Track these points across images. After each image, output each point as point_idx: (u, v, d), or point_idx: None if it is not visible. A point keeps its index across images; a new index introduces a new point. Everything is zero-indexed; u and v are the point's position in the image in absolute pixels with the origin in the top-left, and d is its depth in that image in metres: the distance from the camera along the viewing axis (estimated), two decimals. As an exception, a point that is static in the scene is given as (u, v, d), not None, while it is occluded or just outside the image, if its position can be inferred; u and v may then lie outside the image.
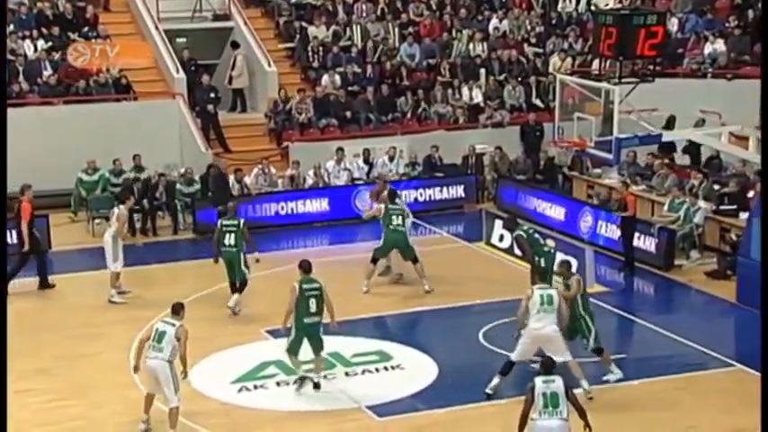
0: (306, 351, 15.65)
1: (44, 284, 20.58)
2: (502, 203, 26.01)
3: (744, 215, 21.19)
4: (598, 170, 25.94)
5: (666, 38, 25.03)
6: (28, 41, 27.76)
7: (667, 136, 24.18)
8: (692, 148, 25.83)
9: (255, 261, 19.41)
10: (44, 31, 28.20)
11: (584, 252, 20.17)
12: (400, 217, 20.02)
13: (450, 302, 19.51)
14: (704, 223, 22.17)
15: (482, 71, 29.84)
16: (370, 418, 15.03)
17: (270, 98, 28.64)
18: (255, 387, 15.92)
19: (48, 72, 27.15)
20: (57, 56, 27.56)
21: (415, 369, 16.59)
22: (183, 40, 30.16)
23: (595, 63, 24.96)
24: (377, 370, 16.63)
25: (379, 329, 18.66)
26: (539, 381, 12.49)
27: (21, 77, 26.72)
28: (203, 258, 20.57)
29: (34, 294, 20.30)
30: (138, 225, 23.93)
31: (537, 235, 18.40)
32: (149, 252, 22.74)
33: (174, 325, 14.10)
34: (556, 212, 24.35)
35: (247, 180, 25.11)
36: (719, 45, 29.36)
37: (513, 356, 15.34)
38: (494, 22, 31.49)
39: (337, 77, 28.99)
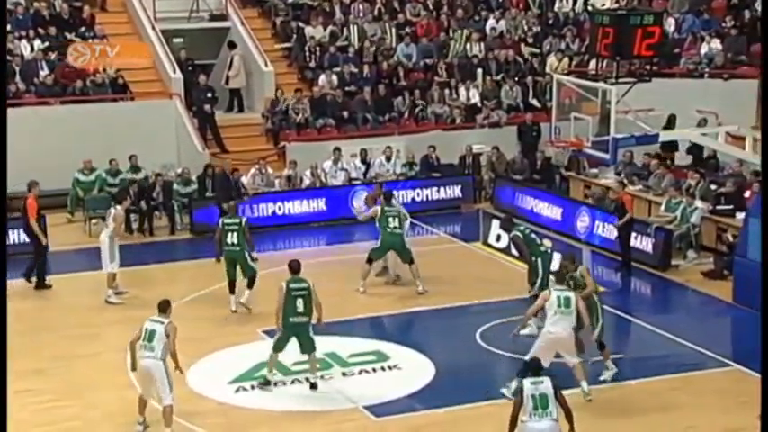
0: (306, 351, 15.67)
1: (41, 285, 20.60)
2: (499, 203, 26.02)
3: (740, 215, 21.20)
4: (595, 170, 25.97)
5: (664, 38, 25.01)
6: (24, 42, 27.72)
7: (664, 136, 24.18)
8: (695, 149, 25.86)
9: (254, 260, 19.41)
10: (41, 31, 28.15)
11: (580, 252, 20.18)
12: (397, 219, 20.01)
13: (447, 302, 19.51)
14: (701, 223, 22.18)
15: (479, 71, 29.85)
16: (368, 419, 15.03)
17: (267, 98, 28.64)
18: (253, 387, 15.90)
19: (44, 72, 27.13)
20: (53, 56, 27.54)
21: (413, 369, 16.58)
22: (180, 40, 30.14)
23: (592, 63, 24.97)
24: (374, 370, 16.62)
25: (376, 329, 18.66)
26: (527, 383, 12.42)
27: (17, 78, 26.69)
28: (200, 258, 20.57)
29: (31, 294, 20.31)
30: (135, 225, 23.95)
31: (534, 235, 18.44)
32: (146, 252, 22.76)
33: (162, 323, 14.19)
34: (553, 212, 24.37)
35: (244, 180, 25.11)
36: (716, 45, 29.41)
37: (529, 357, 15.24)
38: (491, 22, 31.49)
39: (334, 77, 28.98)
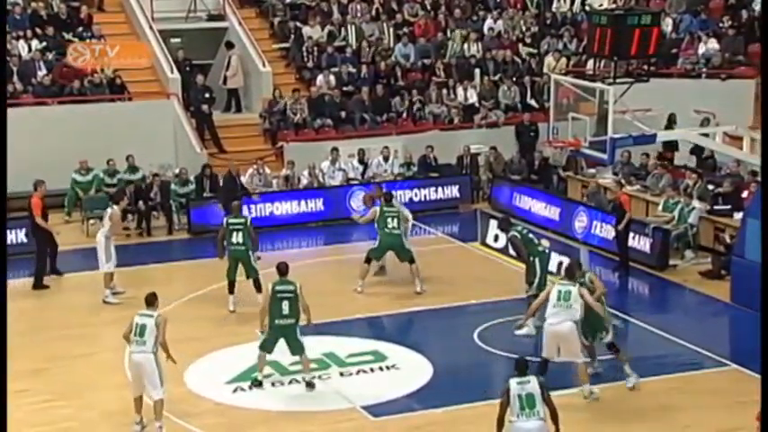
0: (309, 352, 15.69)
1: (38, 285, 20.59)
2: (497, 204, 26.03)
3: (738, 215, 21.20)
4: (593, 170, 25.97)
5: (661, 38, 25.00)
6: (22, 42, 27.71)
7: (662, 136, 24.19)
8: (698, 150, 25.87)
9: (257, 259, 19.42)
10: (38, 31, 28.13)
11: (578, 252, 20.17)
12: (395, 220, 20.00)
13: (445, 302, 19.50)
14: (698, 223, 22.18)
15: (477, 71, 29.86)
16: (365, 419, 15.02)
17: (264, 98, 28.64)
18: (250, 387, 15.90)
19: (42, 72, 27.12)
20: (51, 56, 27.54)
21: (411, 369, 16.57)
22: (178, 40, 30.14)
23: (590, 63, 24.96)
24: (372, 370, 16.61)
25: (374, 329, 18.64)
26: (513, 383, 12.37)
27: (15, 78, 26.67)
28: (198, 258, 20.53)
29: (29, 294, 20.29)
30: (132, 225, 23.95)
31: (531, 235, 18.42)
32: (144, 252, 22.75)
33: (151, 316, 14.27)
34: (551, 212, 24.36)
35: (242, 180, 25.09)
36: (713, 45, 29.42)
37: (543, 355, 15.28)
38: (488, 22, 31.49)
39: (332, 77, 28.98)
